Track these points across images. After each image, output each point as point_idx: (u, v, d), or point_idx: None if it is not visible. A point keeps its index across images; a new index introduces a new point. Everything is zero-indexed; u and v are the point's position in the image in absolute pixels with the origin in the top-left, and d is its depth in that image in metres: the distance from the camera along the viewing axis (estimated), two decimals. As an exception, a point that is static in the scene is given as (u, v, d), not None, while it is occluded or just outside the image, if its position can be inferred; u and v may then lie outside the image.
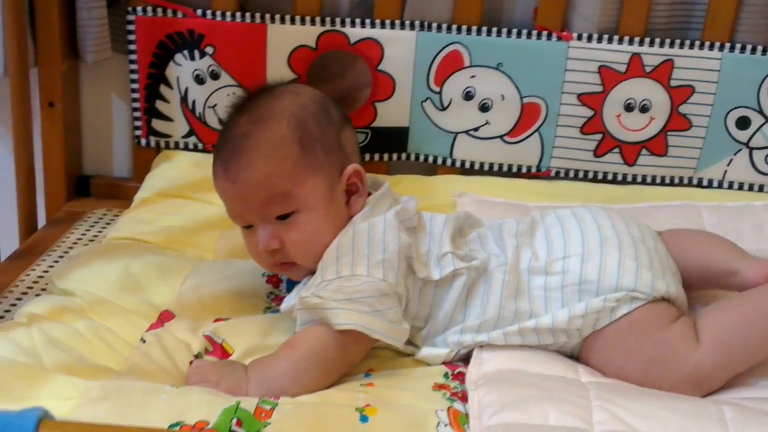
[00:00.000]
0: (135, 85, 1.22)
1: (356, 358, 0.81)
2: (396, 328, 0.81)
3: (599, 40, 1.18)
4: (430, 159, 1.26)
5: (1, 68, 1.12)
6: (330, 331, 0.79)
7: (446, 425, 0.73)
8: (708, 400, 0.79)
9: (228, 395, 0.74)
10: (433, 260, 0.85)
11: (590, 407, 0.75)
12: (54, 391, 0.70)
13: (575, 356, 0.86)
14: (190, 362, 0.82)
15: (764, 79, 1.18)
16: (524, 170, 1.25)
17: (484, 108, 1.23)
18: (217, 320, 0.88)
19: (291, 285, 0.91)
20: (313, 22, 1.19)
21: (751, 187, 1.23)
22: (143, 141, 1.25)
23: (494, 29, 1.19)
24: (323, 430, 0.70)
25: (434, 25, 1.20)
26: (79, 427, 0.57)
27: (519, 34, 1.19)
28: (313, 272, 0.84)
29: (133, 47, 1.20)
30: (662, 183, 1.24)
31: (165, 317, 0.87)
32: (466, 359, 0.85)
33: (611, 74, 1.19)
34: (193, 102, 1.22)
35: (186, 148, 1.25)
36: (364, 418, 0.73)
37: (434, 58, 1.21)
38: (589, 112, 1.21)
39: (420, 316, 0.85)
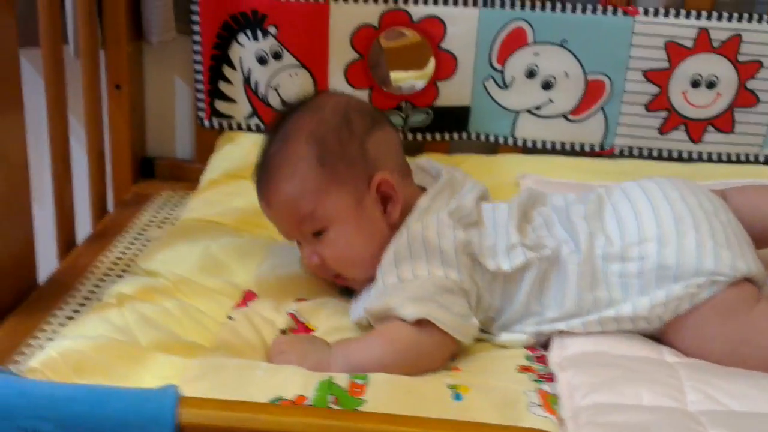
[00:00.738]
0: (198, 66, 1.22)
1: (443, 357, 0.80)
2: (464, 324, 0.80)
3: (666, 14, 1.17)
4: (492, 138, 1.26)
5: (72, 50, 1.12)
6: (413, 326, 0.78)
7: (538, 405, 0.73)
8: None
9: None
10: (501, 251, 0.83)
11: (682, 387, 0.75)
12: (155, 370, 0.71)
13: (656, 338, 0.85)
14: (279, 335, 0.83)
15: (835, 53, 1.16)
16: (587, 149, 1.24)
17: (547, 86, 1.21)
18: (299, 300, 0.89)
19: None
20: (375, 1, 1.18)
21: (819, 165, 1.21)
22: (206, 122, 1.26)
23: (558, 5, 1.18)
24: (417, 408, 0.70)
25: (497, 1, 1.19)
26: (219, 403, 0.58)
27: (584, 10, 1.18)
28: (371, 279, 0.85)
29: (196, 28, 1.20)
30: (728, 160, 1.22)
31: (249, 297, 0.88)
32: (544, 345, 0.84)
33: (678, 49, 1.18)
34: (256, 83, 1.22)
35: (249, 129, 1.25)
36: (457, 396, 0.73)
37: (497, 36, 1.20)
38: (654, 89, 1.20)
39: (493, 307, 0.84)
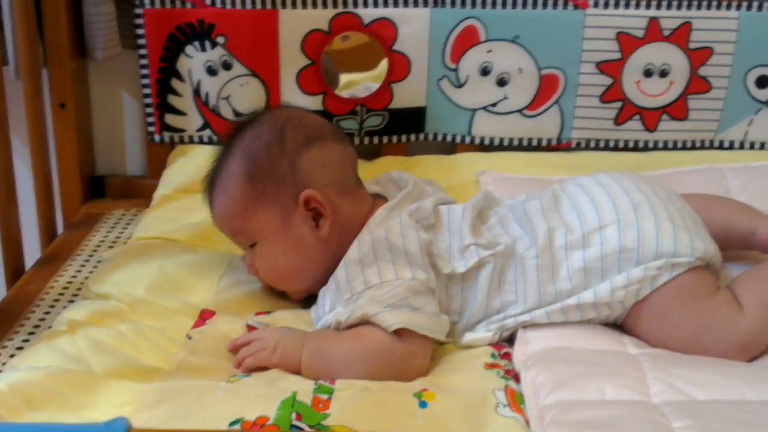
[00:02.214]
0: (146, 81, 1.20)
1: (421, 365, 0.78)
2: (437, 321, 0.80)
3: (616, 5, 1.17)
4: (449, 138, 1.25)
5: (12, 72, 1.09)
6: (392, 335, 0.77)
7: (505, 406, 0.72)
8: (758, 365, 0.79)
9: (281, 387, 0.73)
10: (455, 254, 0.84)
11: (645, 379, 0.74)
12: (110, 398, 0.69)
13: (619, 326, 0.85)
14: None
15: (783, 37, 1.17)
16: (545, 143, 1.24)
17: (501, 82, 1.21)
18: (258, 314, 0.87)
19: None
20: (325, 5, 1.17)
21: (773, 146, 1.22)
22: (157, 137, 1.23)
23: (509, 1, 1.17)
24: (383, 419, 0.69)
25: (448, 0, 1.18)
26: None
27: (535, 5, 1.17)
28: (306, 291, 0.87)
29: (142, 41, 1.18)
30: (684, 147, 1.23)
31: (206, 315, 0.86)
32: (508, 340, 0.84)
33: (629, 40, 1.18)
34: (206, 94, 1.20)
35: (201, 141, 1.22)
36: (423, 404, 0.72)
37: (449, 35, 1.19)
38: (608, 80, 1.20)
39: (453, 311, 0.84)
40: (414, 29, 1.18)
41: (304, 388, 0.72)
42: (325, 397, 0.71)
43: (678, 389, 0.73)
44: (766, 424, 0.67)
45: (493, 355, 0.81)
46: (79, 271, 1.01)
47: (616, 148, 1.23)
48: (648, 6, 1.17)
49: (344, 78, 1.25)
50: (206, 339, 0.81)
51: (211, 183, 0.90)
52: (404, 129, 1.24)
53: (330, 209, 0.85)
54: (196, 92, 1.20)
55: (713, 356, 0.79)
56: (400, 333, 0.78)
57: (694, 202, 0.91)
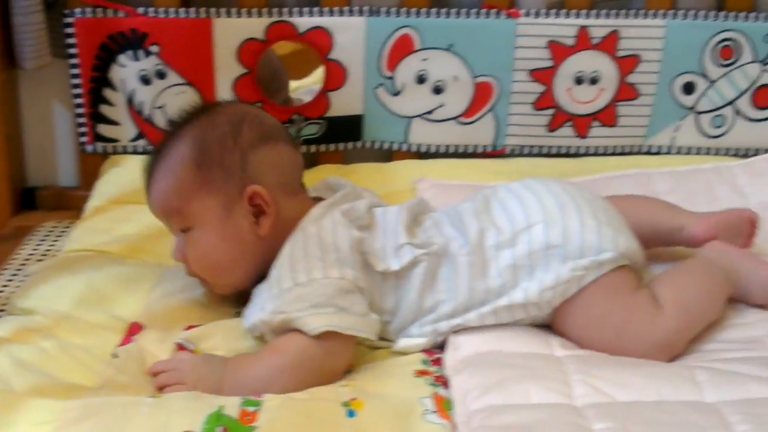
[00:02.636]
0: (77, 90, 1.18)
1: (342, 362, 0.80)
2: (365, 320, 0.81)
3: (546, 14, 1.19)
4: (386, 145, 1.26)
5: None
6: (311, 338, 0.78)
7: (432, 413, 0.73)
8: (679, 365, 0.81)
9: (207, 401, 0.72)
10: (390, 253, 0.85)
11: (569, 381, 0.76)
12: (30, 417, 0.68)
13: (547, 326, 0.87)
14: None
15: (707, 44, 1.20)
16: (480, 150, 1.26)
17: (437, 90, 1.22)
18: (188, 328, 0.86)
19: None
20: (260, 14, 1.17)
21: (699, 151, 1.26)
22: (89, 147, 1.21)
23: (443, 10, 1.19)
24: (310, 429, 0.69)
25: (383, 9, 1.19)
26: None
27: (468, 14, 1.19)
28: (241, 292, 0.86)
29: (73, 51, 1.16)
30: (614, 153, 1.26)
31: (134, 330, 0.85)
32: (440, 347, 0.84)
33: (560, 48, 1.20)
34: (141, 104, 1.19)
35: (135, 152, 1.21)
36: (351, 413, 0.72)
37: (385, 44, 1.20)
38: (540, 88, 1.22)
39: (386, 310, 0.85)
40: (350, 38, 1.19)
41: (231, 402, 0.72)
42: (252, 409, 0.71)
43: (601, 391, 0.74)
44: (683, 424, 0.69)
45: (424, 362, 0.82)
46: (6, 286, 1.00)
47: (549, 155, 1.26)
48: (577, 15, 1.19)
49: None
50: (132, 358, 0.80)
51: (154, 163, 0.88)
52: (341, 137, 1.25)
53: (273, 209, 0.85)
54: (130, 102, 1.19)
55: (635, 356, 0.81)
56: (321, 336, 0.78)
57: (620, 202, 0.94)
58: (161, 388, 0.77)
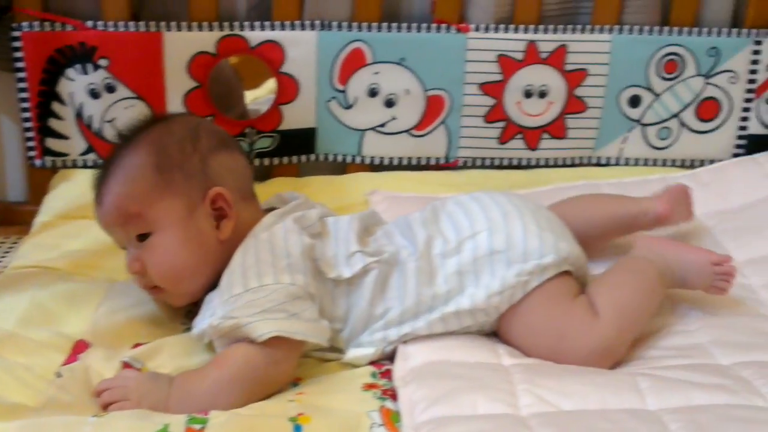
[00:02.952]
0: (25, 104, 1.16)
1: (287, 370, 0.81)
2: (316, 326, 0.81)
3: (496, 29, 1.21)
4: (340, 158, 1.26)
5: None
6: (255, 346, 0.78)
7: (380, 426, 0.73)
8: (622, 372, 0.83)
9: (153, 419, 0.71)
10: (342, 260, 0.86)
11: (515, 391, 0.77)
12: (-31, 438, 0.67)
13: (494, 333, 0.88)
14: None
15: (652, 58, 1.23)
16: (433, 162, 1.27)
17: (389, 103, 1.23)
18: (135, 345, 0.86)
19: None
20: (210, 28, 1.17)
21: (646, 162, 1.29)
22: (38, 162, 1.20)
23: (394, 25, 1.20)
24: (257, 445, 0.70)
25: (334, 23, 1.20)
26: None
27: (419, 29, 1.20)
28: (194, 302, 0.86)
29: (21, 65, 1.14)
30: (564, 165, 1.28)
31: (79, 348, 0.84)
32: (391, 357, 0.85)
33: (509, 62, 1.22)
34: (90, 117, 1.18)
35: (85, 166, 1.20)
36: (297, 428, 0.72)
37: (336, 57, 1.20)
38: (491, 101, 1.24)
39: (337, 318, 0.85)
40: (301, 52, 1.19)
41: (176, 420, 0.71)
42: (198, 427, 0.71)
43: (545, 400, 0.76)
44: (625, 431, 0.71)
45: (373, 375, 0.82)
46: (-50, 304, 0.97)
47: (501, 167, 1.28)
48: (526, 30, 1.22)
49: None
50: (76, 377, 0.79)
51: (106, 173, 0.87)
52: (295, 150, 1.25)
53: (234, 212, 0.86)
54: (79, 115, 1.18)
55: (576, 363, 0.83)
56: (267, 343, 0.78)
57: (572, 202, 0.98)
58: (106, 407, 0.76)
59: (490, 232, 0.87)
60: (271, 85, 1.22)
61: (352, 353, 0.85)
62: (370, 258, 0.86)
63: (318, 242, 0.86)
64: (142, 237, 0.85)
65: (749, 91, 1.26)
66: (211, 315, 0.81)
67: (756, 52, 1.24)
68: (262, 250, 0.83)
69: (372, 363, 0.85)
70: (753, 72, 1.25)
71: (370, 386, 0.80)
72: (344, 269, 0.85)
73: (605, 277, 0.91)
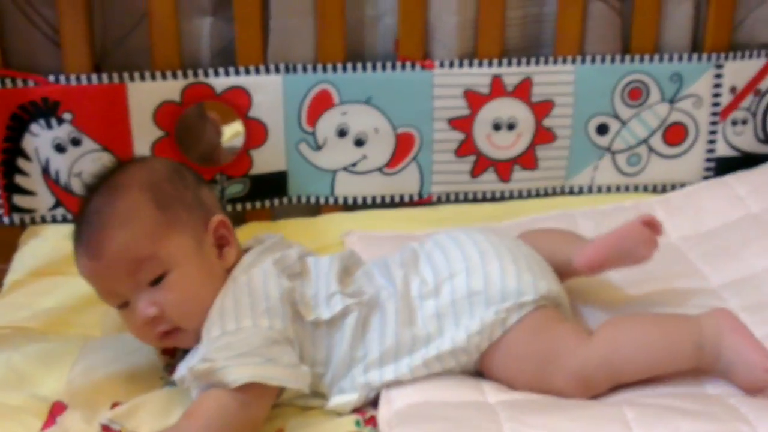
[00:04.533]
0: (-10, 162, 1.15)
1: (260, 415, 0.79)
2: (294, 372, 0.80)
3: (460, 65, 1.22)
4: (312, 200, 1.26)
5: None
6: (227, 392, 0.77)
7: (366, 475, 0.72)
8: (607, 403, 0.82)
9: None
10: (321, 301, 0.85)
11: (502, 430, 0.76)
12: None
13: (478, 371, 0.88)
14: None
15: (616, 86, 1.25)
16: (407, 199, 1.27)
17: (359, 143, 1.23)
18: (114, 405, 0.84)
19: (186, 353, 0.87)
20: (174, 76, 1.16)
21: (618, 189, 1.29)
22: (6, 219, 1.18)
23: (359, 65, 1.20)
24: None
25: (299, 66, 1.20)
26: None
27: (384, 67, 1.21)
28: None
29: (-18, 122, 1.13)
30: (537, 195, 1.29)
31: (56, 410, 0.82)
32: (374, 403, 0.84)
33: (476, 97, 1.23)
34: (57, 172, 1.16)
35: (54, 220, 1.18)
36: (282, 482, 0.70)
37: (303, 99, 1.20)
38: (460, 136, 1.24)
39: (318, 361, 0.84)
40: (268, 96, 1.19)
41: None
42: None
43: (531, 438, 0.75)
44: (613, 466, 0.70)
45: (357, 423, 0.81)
46: None
47: (474, 200, 1.28)
48: (490, 64, 1.22)
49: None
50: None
51: (95, 222, 0.83)
52: (267, 194, 1.24)
53: (234, 238, 0.88)
54: (45, 170, 1.16)
55: (555, 390, 0.82)
56: (241, 388, 0.77)
57: (527, 238, 0.96)
58: None
59: (467, 273, 0.87)
60: (237, 127, 1.21)
61: (335, 400, 0.84)
62: (350, 299, 0.85)
63: (298, 283, 0.85)
64: (156, 280, 0.82)
65: (714, 114, 1.27)
66: (192, 359, 0.80)
67: (718, 76, 1.26)
68: (241, 294, 0.82)
69: (356, 410, 0.84)
70: (716, 95, 1.27)
71: (354, 436, 0.79)
72: (323, 311, 0.84)
73: (622, 319, 0.89)
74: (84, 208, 0.86)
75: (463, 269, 0.87)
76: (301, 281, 0.86)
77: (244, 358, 0.77)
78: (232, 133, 1.32)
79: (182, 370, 0.81)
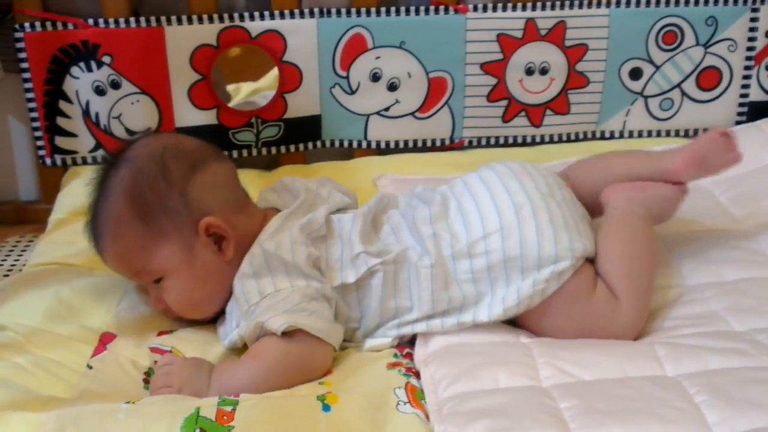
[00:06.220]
0: (32, 104, 1.17)
1: (320, 359, 0.81)
2: (331, 327, 0.82)
3: (494, 9, 1.22)
4: (345, 143, 1.27)
5: None
6: (286, 339, 0.79)
7: (405, 403, 0.74)
8: (640, 342, 0.84)
9: (184, 403, 0.73)
10: (347, 263, 0.85)
11: (536, 365, 0.78)
12: (8, 430, 0.68)
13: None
14: (144, 377, 0.81)
15: (650, 30, 1.24)
16: (438, 143, 1.28)
17: (392, 87, 1.24)
18: (160, 333, 0.87)
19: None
20: (211, 20, 1.17)
21: (649, 134, 1.30)
22: (48, 160, 1.21)
23: (393, 9, 1.21)
24: (287, 426, 0.71)
25: (333, 10, 1.20)
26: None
27: (417, 12, 1.21)
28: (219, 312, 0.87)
29: (25, 65, 1.15)
30: (568, 140, 1.29)
31: (106, 339, 0.86)
32: (410, 342, 0.86)
33: (509, 41, 1.23)
34: (96, 114, 1.19)
35: (95, 162, 1.21)
36: (326, 407, 0.73)
37: (337, 44, 1.21)
38: (492, 80, 1.25)
39: (353, 318, 0.86)
40: (302, 40, 1.20)
41: (207, 403, 0.73)
42: (229, 409, 0.72)
43: (566, 372, 0.77)
44: (646, 398, 0.72)
45: (395, 355, 0.84)
46: (-29, 304, 0.98)
47: (505, 144, 1.29)
48: (524, 8, 1.22)
49: (233, 88, 1.26)
50: (107, 366, 0.81)
51: (96, 228, 0.87)
52: (301, 138, 1.26)
53: (231, 231, 0.85)
54: (86, 113, 1.19)
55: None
56: (293, 336, 0.79)
57: (588, 164, 0.96)
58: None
59: (502, 235, 0.85)
60: (273, 75, 1.22)
61: (370, 343, 0.86)
62: (374, 260, 0.85)
63: (323, 248, 0.86)
64: (157, 280, 0.86)
65: (748, 58, 1.26)
66: (237, 326, 0.83)
67: (753, 20, 1.25)
68: (272, 261, 0.83)
69: (392, 347, 0.85)
70: (751, 39, 1.26)
71: (394, 365, 0.81)
72: (349, 273, 0.85)
73: (609, 250, 0.88)
74: (90, 204, 0.88)
75: (498, 229, 0.85)
76: (326, 245, 0.87)
77: (286, 313, 0.80)
78: (267, 83, 1.32)
79: (231, 337, 0.84)
